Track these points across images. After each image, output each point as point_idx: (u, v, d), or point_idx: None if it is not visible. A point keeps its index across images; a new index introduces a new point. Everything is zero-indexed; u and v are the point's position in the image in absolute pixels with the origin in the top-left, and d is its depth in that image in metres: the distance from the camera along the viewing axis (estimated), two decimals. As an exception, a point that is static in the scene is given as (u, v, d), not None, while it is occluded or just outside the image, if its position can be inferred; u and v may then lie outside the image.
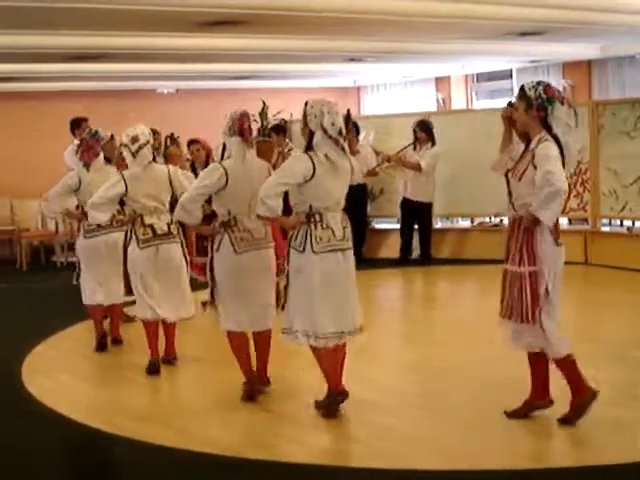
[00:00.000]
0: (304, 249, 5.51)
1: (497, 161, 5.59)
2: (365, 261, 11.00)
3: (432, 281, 11.55)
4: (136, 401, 6.51)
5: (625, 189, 11.01)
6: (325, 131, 5.48)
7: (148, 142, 6.91)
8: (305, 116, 5.59)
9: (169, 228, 7.01)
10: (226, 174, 5.89)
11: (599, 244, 11.11)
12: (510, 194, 5.35)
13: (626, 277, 10.32)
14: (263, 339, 6.23)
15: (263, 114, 15.14)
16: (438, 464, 4.95)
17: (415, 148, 11.97)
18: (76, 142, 8.66)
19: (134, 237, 6.91)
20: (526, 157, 5.21)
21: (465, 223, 13.36)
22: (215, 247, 6.05)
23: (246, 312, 6.07)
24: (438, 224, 13.07)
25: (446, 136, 12.39)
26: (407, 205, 12.16)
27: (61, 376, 7.20)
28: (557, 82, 17.18)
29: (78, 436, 5.80)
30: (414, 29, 11.75)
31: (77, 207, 7.94)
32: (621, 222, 12.05)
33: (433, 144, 11.90)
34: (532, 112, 5.18)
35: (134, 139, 6.86)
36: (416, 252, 12.10)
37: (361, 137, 12.25)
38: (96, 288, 7.83)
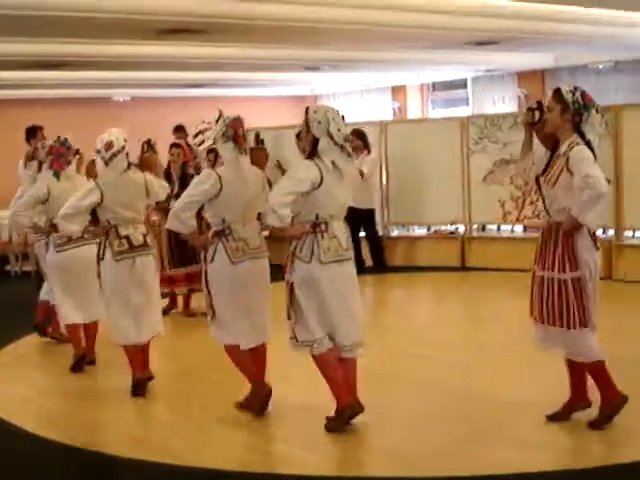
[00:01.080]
0: (310, 259, 5.36)
1: (519, 166, 5.56)
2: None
3: (387, 289, 11.58)
4: (92, 412, 6.44)
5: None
6: (331, 137, 5.35)
7: (123, 149, 6.49)
8: (307, 122, 5.40)
9: (145, 239, 6.61)
10: (220, 181, 5.67)
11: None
12: (543, 200, 5.31)
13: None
14: (260, 352, 6.02)
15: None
16: (394, 471, 4.94)
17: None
18: (28, 151, 8.45)
19: (108, 249, 6.49)
20: (558, 162, 5.16)
21: (421, 231, 13.43)
22: (209, 258, 5.78)
23: (245, 325, 5.84)
24: (394, 232, 13.14)
25: (402, 144, 12.48)
26: (351, 213, 12.14)
27: (14, 387, 7.11)
28: (512, 91, 17.40)
29: (30, 447, 5.71)
30: (370, 38, 11.81)
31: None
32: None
33: (369, 152, 11.93)
34: (567, 116, 5.13)
35: (108, 145, 6.46)
36: (368, 261, 12.09)
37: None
38: (71, 306, 7.36)
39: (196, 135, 14.19)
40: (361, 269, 12.12)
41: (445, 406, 5.98)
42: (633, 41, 12.93)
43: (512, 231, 12.94)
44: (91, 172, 7.91)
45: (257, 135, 13.05)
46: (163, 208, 8.78)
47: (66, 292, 7.36)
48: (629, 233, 11.19)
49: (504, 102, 17.62)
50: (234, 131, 5.79)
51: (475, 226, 12.58)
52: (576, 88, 5.19)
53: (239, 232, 5.77)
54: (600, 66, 15.64)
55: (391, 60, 14.67)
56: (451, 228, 12.57)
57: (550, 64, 15.87)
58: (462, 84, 18.49)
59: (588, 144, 5.11)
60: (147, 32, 10.20)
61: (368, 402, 5.53)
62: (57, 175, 7.32)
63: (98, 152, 6.51)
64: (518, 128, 11.63)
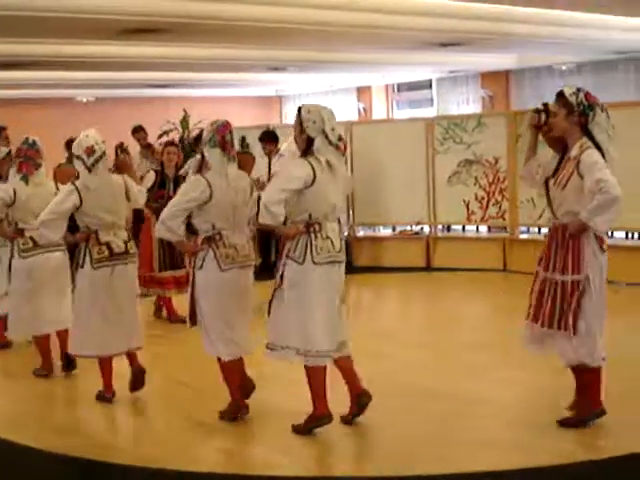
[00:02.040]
0: (304, 260, 5.29)
1: (525, 170, 5.61)
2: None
3: (353, 289, 11.56)
4: (62, 415, 6.42)
5: (542, 197, 11.13)
6: (326, 136, 5.32)
7: (104, 153, 6.20)
8: (301, 122, 5.34)
9: (126, 246, 6.34)
10: (210, 187, 5.55)
11: (517, 251, 11.28)
12: (550, 202, 5.32)
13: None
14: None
15: (184, 123, 15.10)
16: (366, 472, 4.97)
17: None
18: None
19: (88, 256, 6.21)
20: (568, 165, 5.14)
21: (386, 231, 13.47)
22: (198, 264, 5.64)
23: (234, 335, 5.71)
24: (360, 232, 13.16)
25: (367, 145, 12.50)
26: None
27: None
28: (476, 92, 17.51)
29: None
30: (335, 39, 11.83)
31: (9, 224, 7.10)
32: (539, 229, 12.24)
33: None
34: (573, 118, 5.14)
35: (89, 151, 6.15)
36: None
37: (282, 147, 12.27)
38: (38, 316, 6.99)
39: (160, 136, 14.19)
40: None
41: (412, 405, 5.98)
42: (595, 43, 13.07)
43: (477, 231, 13.04)
44: (59, 177, 7.75)
45: (243, 139, 12.98)
46: (156, 209, 8.66)
47: (31, 300, 7.00)
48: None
49: (468, 103, 17.74)
50: (221, 137, 5.66)
51: (440, 226, 12.64)
52: (579, 89, 5.18)
53: (230, 238, 5.66)
54: (563, 67, 15.79)
55: (356, 61, 14.71)
56: (416, 228, 12.61)
57: (514, 65, 15.98)
58: (427, 85, 18.58)
59: (597, 146, 5.09)
60: (110, 32, 10.14)
61: (338, 402, 5.52)
62: (26, 179, 6.96)
63: (78, 158, 6.22)
64: (482, 129, 11.76)
